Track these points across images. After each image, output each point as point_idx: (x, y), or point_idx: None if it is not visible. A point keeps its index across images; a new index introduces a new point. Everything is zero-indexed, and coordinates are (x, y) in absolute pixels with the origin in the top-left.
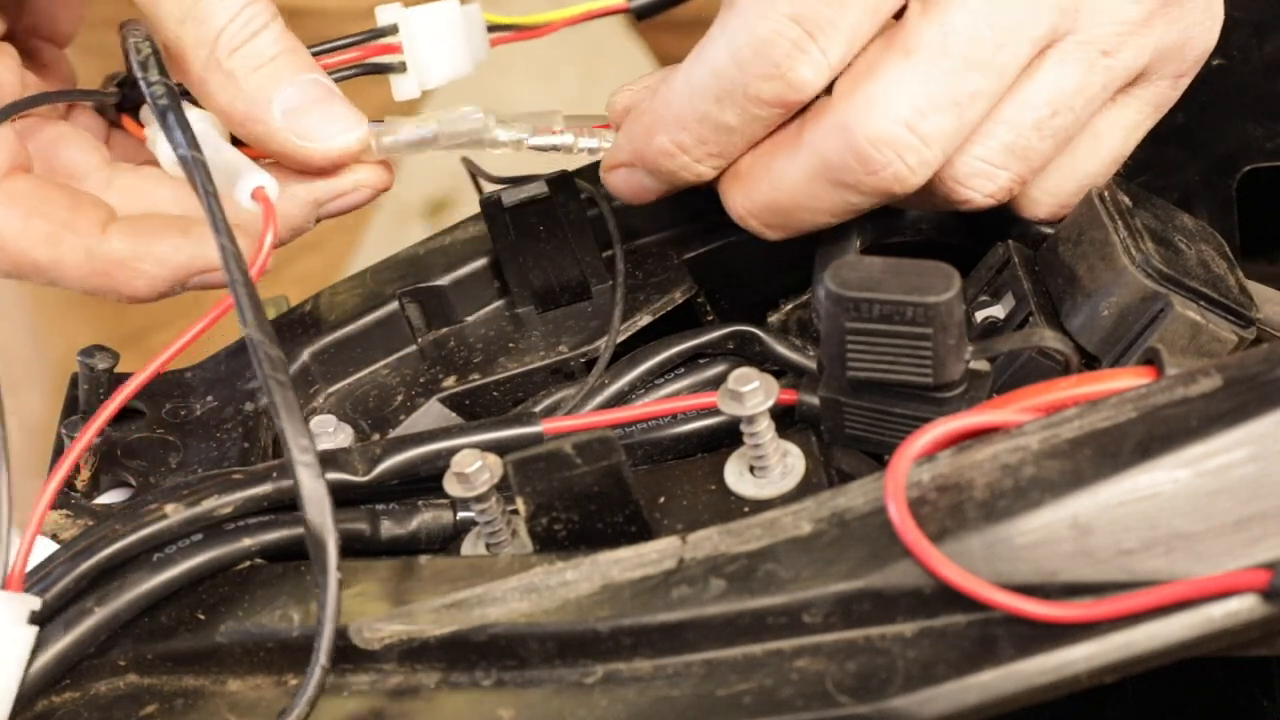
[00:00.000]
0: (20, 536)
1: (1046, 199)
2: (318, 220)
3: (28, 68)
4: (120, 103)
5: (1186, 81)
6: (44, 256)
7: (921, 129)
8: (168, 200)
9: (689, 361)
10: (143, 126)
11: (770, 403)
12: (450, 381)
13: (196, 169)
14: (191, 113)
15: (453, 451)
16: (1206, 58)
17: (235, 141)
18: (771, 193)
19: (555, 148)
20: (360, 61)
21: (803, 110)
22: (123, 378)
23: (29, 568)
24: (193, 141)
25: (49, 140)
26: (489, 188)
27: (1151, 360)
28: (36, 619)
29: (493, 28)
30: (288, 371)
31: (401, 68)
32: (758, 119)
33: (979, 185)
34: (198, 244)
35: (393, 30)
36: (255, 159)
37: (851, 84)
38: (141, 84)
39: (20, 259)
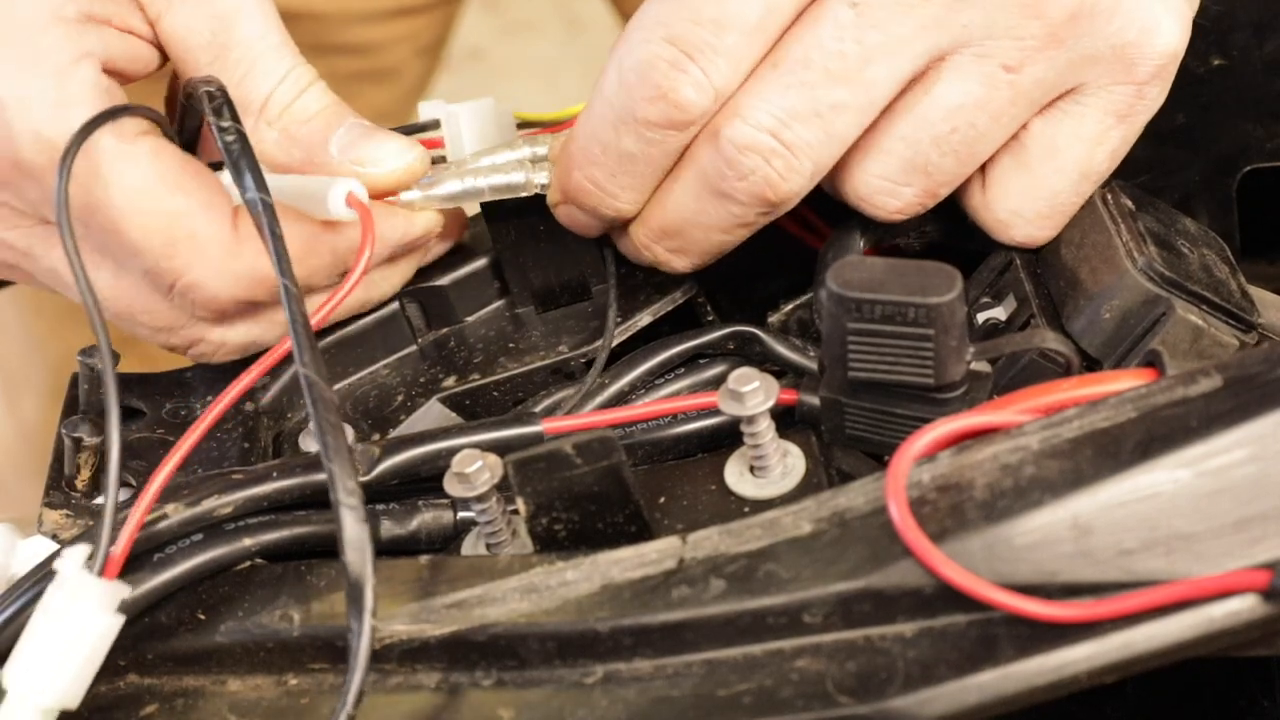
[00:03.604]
0: (18, 538)
1: (1017, 220)
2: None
3: None
4: None
5: (1156, 85)
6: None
7: (785, 137)
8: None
9: (689, 362)
10: None
11: (770, 403)
12: (450, 381)
13: (265, 213)
14: None
15: (453, 451)
16: (1177, 54)
17: None
18: (662, 215)
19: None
20: None
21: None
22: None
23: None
24: (262, 184)
25: None
26: None
27: (1153, 363)
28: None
29: (521, 125)
30: (339, 413)
31: (441, 160)
32: (654, 143)
33: (883, 202)
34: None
35: (434, 125)
36: None
37: (729, 99)
38: (214, 129)
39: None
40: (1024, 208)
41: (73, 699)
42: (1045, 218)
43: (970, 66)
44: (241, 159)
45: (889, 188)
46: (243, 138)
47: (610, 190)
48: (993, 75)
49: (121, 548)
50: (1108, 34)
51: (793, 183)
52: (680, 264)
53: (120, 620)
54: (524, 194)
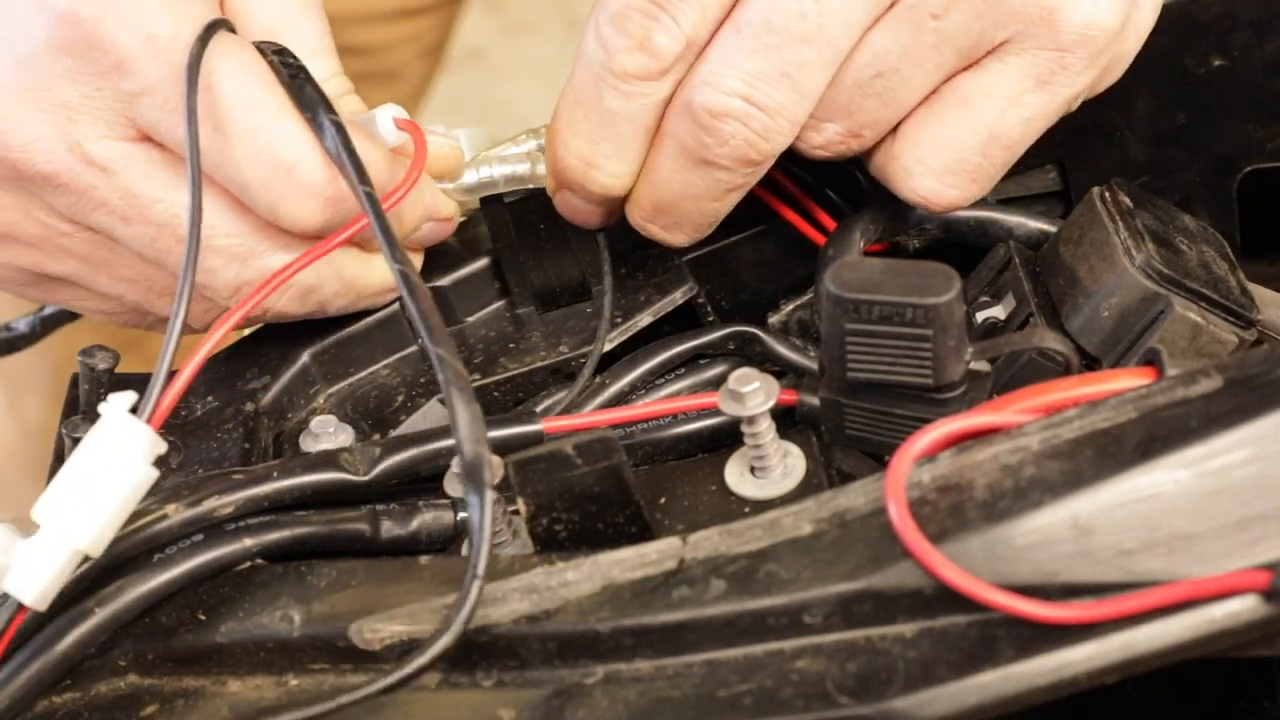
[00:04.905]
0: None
1: (919, 169)
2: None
3: None
4: None
5: (1080, 56)
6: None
7: (758, 100)
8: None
9: (689, 362)
10: None
11: (771, 403)
12: None
13: (338, 133)
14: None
15: (453, 451)
16: (1105, 28)
17: None
18: (651, 191)
19: None
20: None
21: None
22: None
23: None
24: (330, 109)
25: None
26: None
27: (1152, 361)
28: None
29: None
30: (434, 302)
31: None
32: (633, 96)
33: (806, 136)
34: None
35: None
36: None
37: (695, 65)
38: (277, 66)
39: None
40: (928, 156)
41: (98, 546)
42: (949, 173)
43: (904, 14)
44: (307, 87)
45: (810, 122)
46: (306, 72)
47: (594, 161)
48: (921, 21)
49: (168, 402)
50: None
51: (774, 141)
52: (677, 239)
53: (154, 475)
54: (531, 185)
